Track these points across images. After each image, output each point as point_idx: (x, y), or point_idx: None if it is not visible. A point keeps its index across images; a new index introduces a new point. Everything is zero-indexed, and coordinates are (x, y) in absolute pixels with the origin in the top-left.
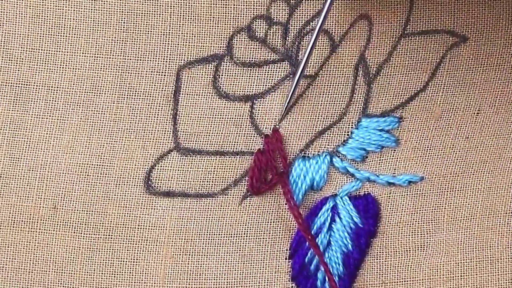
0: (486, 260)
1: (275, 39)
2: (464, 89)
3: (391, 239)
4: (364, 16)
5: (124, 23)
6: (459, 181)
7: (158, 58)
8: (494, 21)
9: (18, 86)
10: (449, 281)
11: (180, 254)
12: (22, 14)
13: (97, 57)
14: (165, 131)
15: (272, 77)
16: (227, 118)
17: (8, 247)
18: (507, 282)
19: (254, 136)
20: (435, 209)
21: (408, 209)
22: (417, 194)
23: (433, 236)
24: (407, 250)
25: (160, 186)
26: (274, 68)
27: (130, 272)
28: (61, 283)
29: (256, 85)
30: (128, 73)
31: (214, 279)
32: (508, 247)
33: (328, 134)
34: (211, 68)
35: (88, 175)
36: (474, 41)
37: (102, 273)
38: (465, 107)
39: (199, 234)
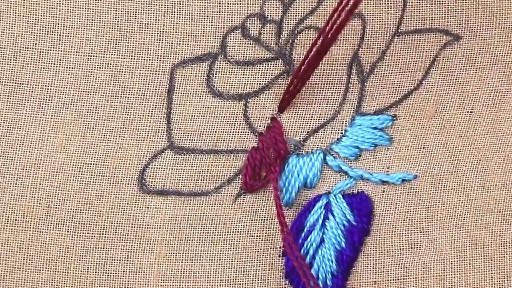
0: (480, 258)
1: (269, 37)
2: (458, 88)
3: (384, 237)
4: (358, 15)
5: (118, 22)
6: (453, 179)
7: (152, 57)
8: (488, 20)
9: (12, 85)
10: (442, 279)
11: (174, 253)
12: (15, 13)
13: (91, 56)
14: (159, 129)
15: (266, 75)
16: (221, 116)
17: (1, 246)
18: (501, 281)
19: (248, 135)
20: (428, 207)
21: (401, 207)
22: (410, 192)
23: (427, 234)
24: (400, 248)
25: (154, 185)
26: (268, 66)
27: (124, 271)
28: (54, 282)
29: (250, 83)
30: (122, 72)
31: (208, 277)
32: (502, 245)
33: (322, 132)
34: (205, 67)
35: (82, 174)
36: (467, 40)
37: (96, 272)
38: (459, 106)
39: (193, 233)
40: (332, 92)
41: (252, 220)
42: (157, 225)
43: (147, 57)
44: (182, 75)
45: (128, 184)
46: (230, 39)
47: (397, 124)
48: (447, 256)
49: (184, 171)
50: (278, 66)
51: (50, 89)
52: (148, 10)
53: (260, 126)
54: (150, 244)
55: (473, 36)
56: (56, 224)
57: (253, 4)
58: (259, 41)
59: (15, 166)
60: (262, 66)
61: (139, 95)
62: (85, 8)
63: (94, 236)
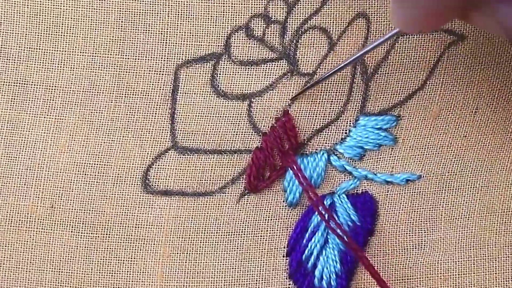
0: (485, 258)
1: (273, 37)
2: (462, 88)
3: (389, 237)
4: (362, 14)
5: (122, 22)
6: (457, 179)
7: (156, 57)
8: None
9: (16, 85)
10: (447, 279)
11: (178, 253)
12: (20, 13)
13: (95, 56)
14: (162, 129)
15: (270, 75)
16: (225, 116)
17: (5, 246)
18: (505, 281)
19: (251, 135)
20: (433, 207)
21: (406, 207)
22: (415, 192)
23: (431, 234)
24: (405, 248)
25: (157, 185)
26: (272, 66)
27: (128, 271)
28: (59, 283)
29: (254, 83)
30: (126, 72)
31: (212, 278)
32: (506, 245)
33: (326, 132)
34: (209, 67)
35: (85, 174)
36: (472, 40)
37: (100, 272)
38: (463, 106)
39: (197, 233)
40: (336, 92)
41: (256, 220)
42: (161, 225)
43: (151, 57)
44: (186, 75)
45: (131, 184)
46: (234, 39)
47: (401, 124)
48: (451, 256)
49: (188, 171)
50: (282, 66)
51: (54, 89)
52: (152, 10)
53: (264, 126)
54: (154, 244)
55: (478, 35)
56: (60, 224)
57: (257, 4)
58: (263, 41)
59: (19, 166)
60: (266, 66)
61: (143, 95)
62: (89, 8)
63: (98, 236)
